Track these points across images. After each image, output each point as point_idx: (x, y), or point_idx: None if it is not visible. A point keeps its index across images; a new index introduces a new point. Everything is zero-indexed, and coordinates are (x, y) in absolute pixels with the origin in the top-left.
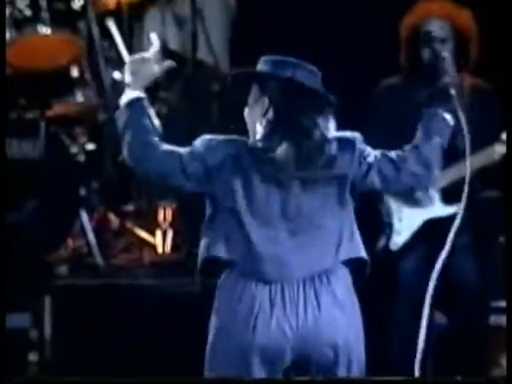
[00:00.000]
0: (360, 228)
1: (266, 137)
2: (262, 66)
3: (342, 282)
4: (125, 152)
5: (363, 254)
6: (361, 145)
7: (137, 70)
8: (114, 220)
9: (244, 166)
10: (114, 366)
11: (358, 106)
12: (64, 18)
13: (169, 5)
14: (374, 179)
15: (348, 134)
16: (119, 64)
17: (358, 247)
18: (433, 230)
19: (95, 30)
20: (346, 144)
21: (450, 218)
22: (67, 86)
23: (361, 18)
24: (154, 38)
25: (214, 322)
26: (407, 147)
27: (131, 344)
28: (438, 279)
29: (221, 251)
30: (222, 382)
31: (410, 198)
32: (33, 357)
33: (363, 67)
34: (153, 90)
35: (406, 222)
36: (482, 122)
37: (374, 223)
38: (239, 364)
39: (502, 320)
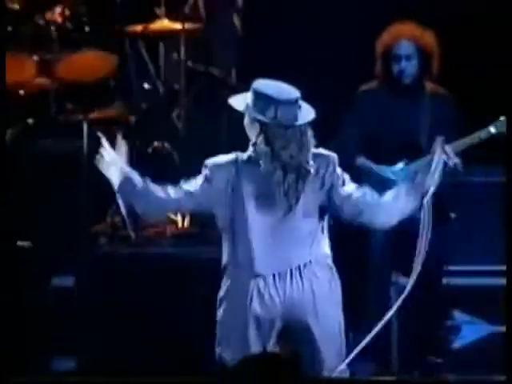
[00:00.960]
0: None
1: (258, 157)
2: (252, 96)
3: (321, 270)
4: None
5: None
6: (336, 167)
7: (107, 170)
8: None
9: (238, 183)
10: (140, 315)
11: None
12: (103, 39)
13: (186, 29)
14: (347, 208)
15: (325, 152)
16: (146, 76)
17: (326, 243)
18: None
19: (128, 49)
20: (322, 160)
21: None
22: (106, 94)
23: (345, 34)
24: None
25: (220, 304)
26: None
27: (154, 298)
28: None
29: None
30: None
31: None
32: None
33: (346, 74)
34: (173, 96)
35: None
36: (439, 118)
37: None
38: (240, 334)
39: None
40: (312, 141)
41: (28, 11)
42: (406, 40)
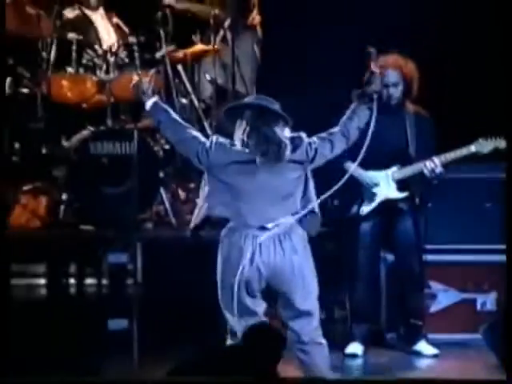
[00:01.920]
0: (342, 200)
1: (245, 145)
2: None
3: (299, 237)
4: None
5: (316, 209)
6: (306, 138)
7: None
8: (181, 193)
9: (234, 161)
10: (180, 288)
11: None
12: (150, 63)
13: (217, 54)
14: (320, 157)
15: (296, 133)
16: (185, 93)
17: (311, 204)
18: (387, 205)
19: (169, 71)
20: (296, 140)
21: (400, 199)
22: None
23: (340, 63)
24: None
25: (218, 263)
26: (337, 127)
27: (191, 274)
28: (388, 232)
29: (220, 212)
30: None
31: (376, 185)
32: (129, 281)
33: (341, 94)
34: (207, 110)
35: (371, 199)
36: (421, 133)
37: (351, 198)
38: (232, 290)
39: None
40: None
41: (91, 41)
42: (392, 70)
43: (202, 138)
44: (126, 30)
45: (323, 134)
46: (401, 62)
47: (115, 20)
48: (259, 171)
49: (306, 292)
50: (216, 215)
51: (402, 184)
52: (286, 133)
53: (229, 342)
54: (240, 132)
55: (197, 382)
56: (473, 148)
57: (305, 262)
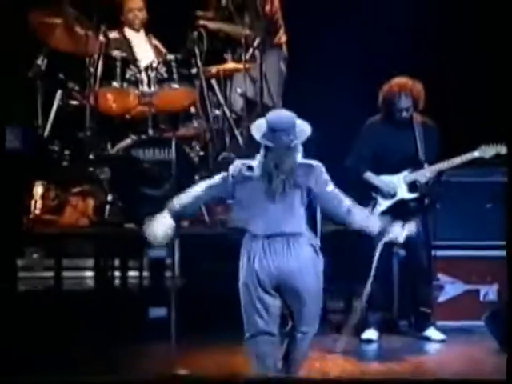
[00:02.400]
0: (359, 202)
1: (262, 168)
2: (265, 130)
3: (306, 241)
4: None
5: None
6: (322, 173)
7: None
8: None
9: (251, 185)
10: (212, 277)
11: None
12: (187, 78)
13: (247, 71)
14: (323, 202)
15: (310, 161)
16: (218, 105)
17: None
18: (399, 205)
19: (204, 86)
20: (307, 167)
21: (411, 200)
22: (188, 118)
23: (356, 83)
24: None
25: (239, 266)
26: (352, 205)
27: (223, 263)
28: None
29: (238, 224)
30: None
31: (389, 187)
32: (167, 273)
33: (357, 109)
34: (237, 120)
35: (385, 200)
36: (428, 140)
37: (367, 198)
38: (250, 289)
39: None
40: (298, 155)
41: (133, 59)
42: (404, 94)
43: (216, 181)
44: (163, 49)
45: (339, 195)
46: (410, 85)
47: (154, 41)
48: (273, 192)
49: (311, 294)
50: (236, 226)
51: (412, 186)
52: (298, 157)
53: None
54: (262, 154)
55: (196, 381)
56: (476, 153)
57: (307, 268)
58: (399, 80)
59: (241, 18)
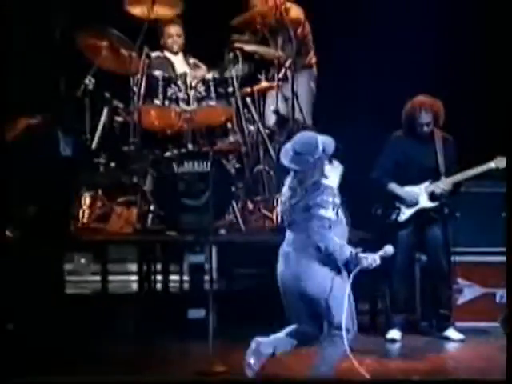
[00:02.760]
0: (384, 210)
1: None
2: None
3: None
4: None
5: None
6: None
7: None
8: (250, 205)
9: None
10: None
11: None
12: (223, 96)
13: (279, 89)
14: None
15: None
16: (252, 121)
17: None
18: (421, 214)
19: (239, 103)
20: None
21: (431, 209)
22: (224, 133)
23: (381, 102)
24: None
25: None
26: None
27: (258, 270)
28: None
29: None
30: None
31: (412, 197)
32: (205, 277)
33: (382, 125)
34: (271, 135)
35: (408, 208)
36: (447, 153)
37: (391, 208)
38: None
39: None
40: (326, 167)
41: (175, 78)
42: (424, 111)
43: None
44: (202, 66)
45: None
46: (430, 102)
47: (192, 60)
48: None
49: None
50: None
51: (433, 196)
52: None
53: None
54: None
55: (197, 381)
56: (492, 164)
57: (305, 273)
58: (420, 98)
59: (274, 40)
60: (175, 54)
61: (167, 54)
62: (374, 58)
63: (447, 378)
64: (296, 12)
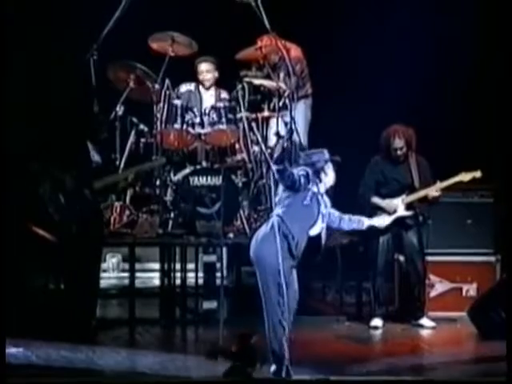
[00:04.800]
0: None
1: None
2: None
3: None
4: None
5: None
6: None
7: None
8: (254, 214)
9: None
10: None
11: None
12: (232, 122)
13: (279, 115)
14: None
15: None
16: (257, 142)
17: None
18: (399, 222)
19: (246, 127)
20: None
21: (407, 217)
22: (233, 152)
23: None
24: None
25: None
26: (346, 216)
27: None
28: (400, 241)
29: None
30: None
31: (391, 207)
32: (218, 276)
33: (365, 151)
34: (272, 154)
35: (388, 216)
36: (420, 173)
37: (374, 215)
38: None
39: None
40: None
41: (192, 106)
42: (397, 138)
43: None
44: (228, 97)
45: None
46: (403, 130)
47: (223, 95)
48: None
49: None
50: None
51: (409, 206)
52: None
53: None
54: None
55: (197, 382)
56: (457, 178)
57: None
58: (395, 126)
59: (276, 74)
60: (207, 88)
61: (201, 88)
62: (358, 92)
63: (447, 378)
64: (296, 51)
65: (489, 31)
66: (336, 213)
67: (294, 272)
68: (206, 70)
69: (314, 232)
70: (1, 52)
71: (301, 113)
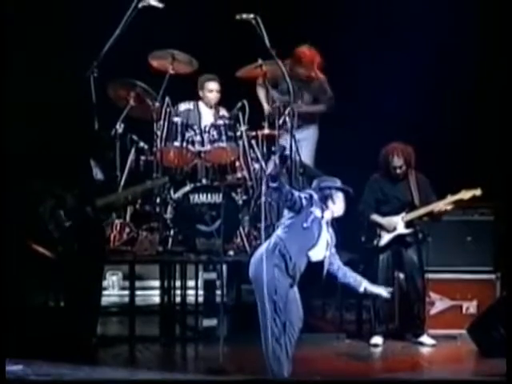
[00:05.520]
0: (367, 236)
1: None
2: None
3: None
4: None
5: None
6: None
7: None
8: (253, 231)
9: None
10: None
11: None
12: (232, 139)
13: (279, 133)
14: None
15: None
16: (256, 160)
17: None
18: (398, 239)
19: (246, 145)
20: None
21: (407, 234)
22: (233, 170)
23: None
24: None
25: None
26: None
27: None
28: (400, 258)
29: None
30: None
31: (391, 225)
32: (218, 293)
33: (366, 169)
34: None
35: (387, 234)
36: (421, 190)
37: (373, 235)
38: None
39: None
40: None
41: (191, 124)
42: (396, 156)
43: None
44: (227, 115)
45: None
46: (402, 148)
47: (222, 112)
48: None
49: None
50: None
51: (408, 224)
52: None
53: None
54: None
55: (197, 381)
56: (458, 196)
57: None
58: (393, 144)
59: (279, 90)
60: (210, 107)
61: (201, 105)
62: (358, 108)
63: (447, 378)
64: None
65: (490, 45)
66: (337, 259)
67: (295, 291)
68: (216, 89)
69: (316, 257)
70: (1, 63)
71: (306, 131)
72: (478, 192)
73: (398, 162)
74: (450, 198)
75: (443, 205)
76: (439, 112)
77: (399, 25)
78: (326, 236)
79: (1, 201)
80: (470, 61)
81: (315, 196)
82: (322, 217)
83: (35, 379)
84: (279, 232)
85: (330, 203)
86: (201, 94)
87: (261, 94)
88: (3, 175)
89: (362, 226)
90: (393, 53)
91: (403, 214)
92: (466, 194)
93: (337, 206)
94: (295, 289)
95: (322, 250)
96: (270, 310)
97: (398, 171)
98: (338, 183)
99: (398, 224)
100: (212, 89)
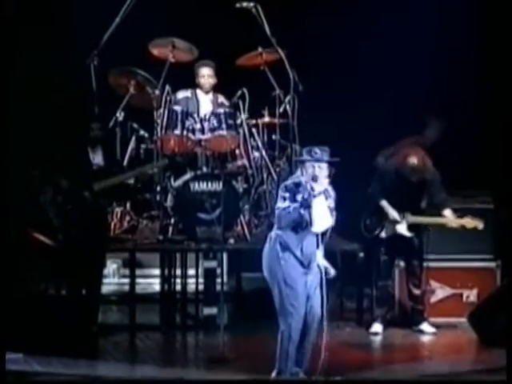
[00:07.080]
0: (371, 222)
1: None
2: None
3: None
4: None
5: None
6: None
7: None
8: (254, 219)
9: None
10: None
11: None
12: (233, 127)
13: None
14: None
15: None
16: (257, 148)
17: None
18: (399, 237)
19: (246, 133)
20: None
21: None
22: (234, 158)
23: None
24: None
25: None
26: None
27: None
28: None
29: None
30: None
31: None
32: (218, 281)
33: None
34: (272, 159)
35: (389, 229)
36: (432, 197)
37: (376, 223)
38: None
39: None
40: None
41: (191, 112)
42: (412, 157)
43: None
44: (227, 103)
45: None
46: (416, 149)
47: (220, 99)
48: None
49: None
50: None
51: (411, 227)
52: None
53: None
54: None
55: (197, 381)
56: (463, 221)
57: None
58: (404, 147)
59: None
60: (206, 92)
61: (199, 92)
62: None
63: (447, 379)
64: None
65: (490, 45)
66: None
67: (312, 278)
68: (208, 74)
69: (321, 229)
70: (1, 55)
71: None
72: (480, 225)
73: (415, 162)
74: (454, 221)
75: (445, 221)
76: (443, 99)
77: (403, 21)
78: (324, 205)
79: (1, 190)
80: (476, 57)
81: (302, 179)
82: (312, 190)
83: (34, 370)
84: (276, 227)
85: (314, 174)
86: (196, 80)
87: None
88: (3, 164)
89: (368, 208)
90: (397, 48)
91: (408, 215)
92: (470, 223)
93: (322, 173)
94: (311, 277)
95: (327, 220)
96: (284, 302)
97: (413, 179)
98: (318, 153)
99: (400, 224)
100: (204, 74)
